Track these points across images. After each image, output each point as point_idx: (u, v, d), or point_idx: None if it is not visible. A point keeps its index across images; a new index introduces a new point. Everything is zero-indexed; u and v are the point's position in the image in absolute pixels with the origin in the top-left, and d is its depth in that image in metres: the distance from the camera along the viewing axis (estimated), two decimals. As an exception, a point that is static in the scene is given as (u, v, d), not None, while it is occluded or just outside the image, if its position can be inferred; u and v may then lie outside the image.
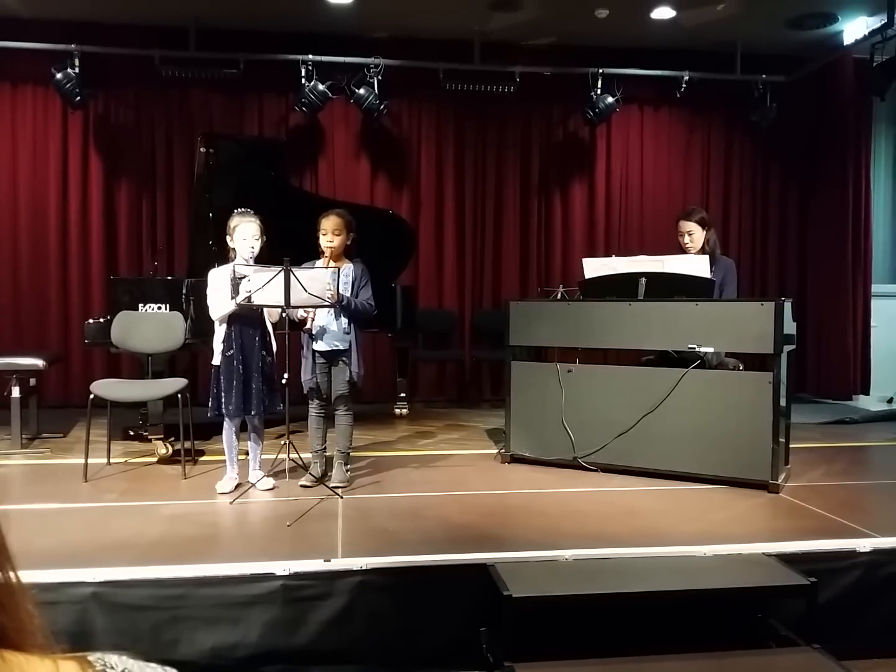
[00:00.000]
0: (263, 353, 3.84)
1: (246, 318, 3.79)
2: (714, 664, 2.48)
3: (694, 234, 4.46)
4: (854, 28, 6.52)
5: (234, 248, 3.82)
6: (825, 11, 6.32)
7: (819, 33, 6.69)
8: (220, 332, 3.82)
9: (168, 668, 0.69)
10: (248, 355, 3.79)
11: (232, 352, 3.77)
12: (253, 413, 3.84)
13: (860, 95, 6.99)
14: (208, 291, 3.82)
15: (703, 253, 4.45)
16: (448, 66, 6.70)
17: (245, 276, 3.56)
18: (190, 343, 4.70)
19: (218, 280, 3.76)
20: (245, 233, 3.77)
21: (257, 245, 3.80)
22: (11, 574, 0.61)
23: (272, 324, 3.91)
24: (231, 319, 3.78)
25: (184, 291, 4.81)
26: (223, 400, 3.78)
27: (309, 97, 6.46)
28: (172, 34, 6.41)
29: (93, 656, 0.66)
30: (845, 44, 6.67)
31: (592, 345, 4.37)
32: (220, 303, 3.75)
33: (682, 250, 4.51)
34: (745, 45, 6.91)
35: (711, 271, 4.42)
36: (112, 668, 0.68)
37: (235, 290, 3.60)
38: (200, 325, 4.54)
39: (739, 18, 6.33)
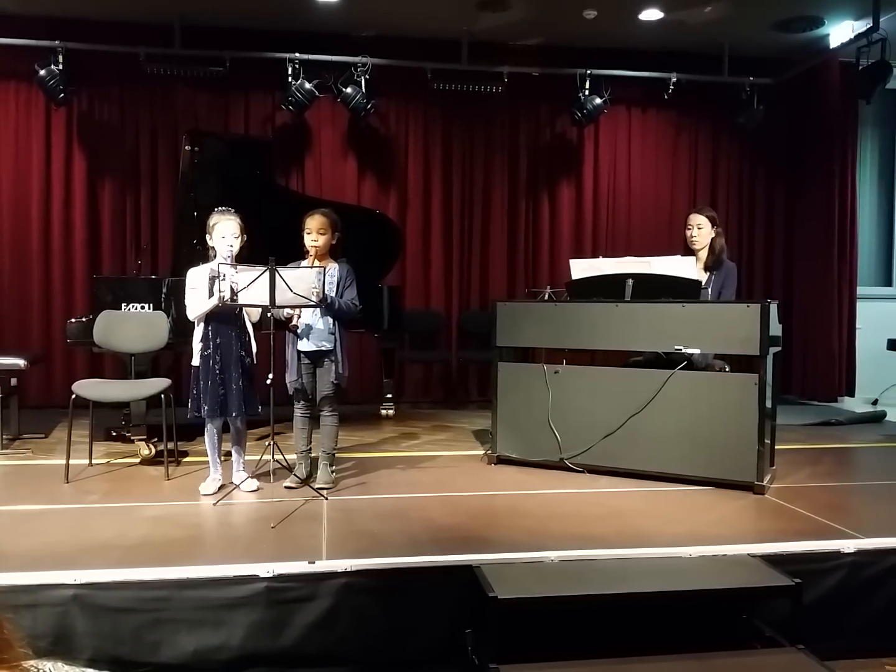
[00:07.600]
0: (242, 353, 3.78)
1: (223, 317, 3.73)
2: (699, 665, 2.48)
3: (703, 228, 4.47)
4: (840, 32, 6.58)
5: (213, 247, 3.79)
6: (812, 15, 6.37)
7: (806, 36, 6.74)
8: (198, 331, 3.78)
9: None
10: (225, 355, 3.75)
11: (209, 352, 3.73)
12: (234, 415, 3.80)
13: (846, 98, 7.04)
14: (186, 290, 3.77)
15: (711, 252, 4.48)
16: (436, 66, 6.70)
17: (222, 275, 3.51)
18: (172, 343, 4.66)
19: (196, 279, 3.72)
20: (224, 231, 3.73)
21: (236, 244, 3.75)
22: None
23: (253, 324, 3.87)
24: (208, 319, 3.74)
25: (164, 291, 4.77)
26: (201, 401, 3.74)
27: (295, 96, 6.44)
28: (158, 31, 6.37)
29: (27, 663, 0.64)
30: (831, 47, 6.73)
31: (579, 346, 4.36)
32: (197, 302, 3.71)
33: (687, 245, 4.52)
34: (733, 48, 6.95)
35: (714, 275, 4.44)
36: None
37: (213, 290, 3.56)
38: (182, 325, 4.50)
39: (727, 21, 6.36)
